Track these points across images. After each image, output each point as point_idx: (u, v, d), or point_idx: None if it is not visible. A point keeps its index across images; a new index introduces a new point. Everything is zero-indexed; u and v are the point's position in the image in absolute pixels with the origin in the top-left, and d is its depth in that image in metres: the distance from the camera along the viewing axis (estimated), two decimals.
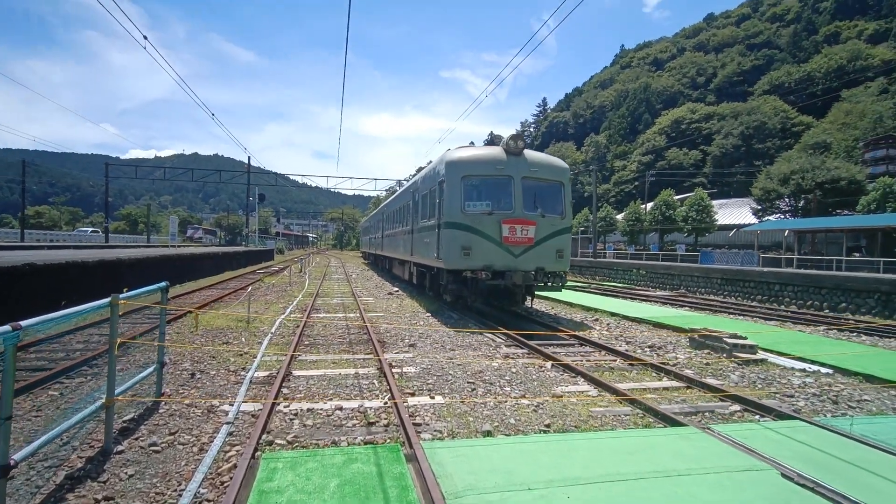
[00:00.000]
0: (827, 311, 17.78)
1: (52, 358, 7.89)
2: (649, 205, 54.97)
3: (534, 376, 7.44)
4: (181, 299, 15.95)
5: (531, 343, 9.65)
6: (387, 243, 26.68)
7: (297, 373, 7.29)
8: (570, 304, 16.47)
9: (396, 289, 20.46)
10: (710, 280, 23.68)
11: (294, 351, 8.32)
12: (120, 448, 4.55)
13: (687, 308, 17.16)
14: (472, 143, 17.49)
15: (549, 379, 7.32)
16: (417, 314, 13.87)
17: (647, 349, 9.69)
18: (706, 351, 9.17)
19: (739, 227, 52.22)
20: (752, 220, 49.23)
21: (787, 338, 10.99)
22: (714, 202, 51.37)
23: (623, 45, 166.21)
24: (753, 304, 19.87)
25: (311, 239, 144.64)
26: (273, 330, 10.37)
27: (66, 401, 5.84)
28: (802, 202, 44.11)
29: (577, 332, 11.15)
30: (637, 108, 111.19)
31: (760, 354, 8.70)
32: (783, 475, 4.12)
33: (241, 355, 8.24)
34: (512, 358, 8.66)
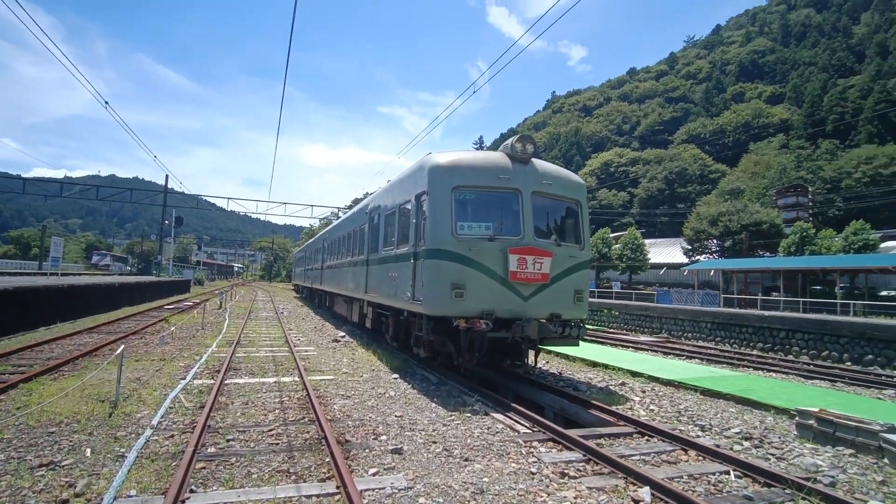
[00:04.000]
0: (849, 363, 15.77)
1: None
2: None
3: None
4: (34, 352, 11.16)
5: (576, 437, 6.23)
6: (328, 276, 22.55)
7: None
8: (566, 357, 13.26)
9: (343, 334, 16.42)
10: (698, 324, 21.47)
11: (183, 482, 4.35)
12: None
13: (701, 361, 14.48)
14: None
15: None
16: (379, 375, 10.07)
17: (745, 443, 6.50)
18: (842, 449, 6.10)
19: (670, 265, 54.08)
20: (683, 259, 51.03)
21: None
22: (645, 241, 52.86)
23: (554, 92, 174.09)
24: (755, 352, 17.68)
25: (236, 269, 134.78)
26: (156, 420, 6.21)
27: None
28: (729, 242, 46.16)
29: (616, 408, 7.85)
30: (569, 150, 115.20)
31: None
32: None
33: None
34: (569, 475, 5.16)
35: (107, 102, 17.89)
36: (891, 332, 15.21)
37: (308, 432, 6.16)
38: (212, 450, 5.38)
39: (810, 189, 58.01)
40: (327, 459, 5.20)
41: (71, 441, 5.46)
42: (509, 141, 9.54)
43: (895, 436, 5.73)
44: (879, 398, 10.59)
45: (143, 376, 8.75)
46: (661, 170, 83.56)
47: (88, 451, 5.12)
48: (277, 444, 5.72)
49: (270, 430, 6.17)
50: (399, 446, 5.68)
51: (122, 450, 5.18)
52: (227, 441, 5.69)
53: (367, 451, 5.59)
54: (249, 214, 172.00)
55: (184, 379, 8.75)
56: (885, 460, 5.70)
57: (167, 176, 44.11)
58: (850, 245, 35.83)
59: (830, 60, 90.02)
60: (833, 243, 37.64)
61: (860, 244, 35.47)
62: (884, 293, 34.19)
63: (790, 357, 16.82)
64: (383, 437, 6.06)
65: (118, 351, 6.83)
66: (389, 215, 11.79)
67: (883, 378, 12.70)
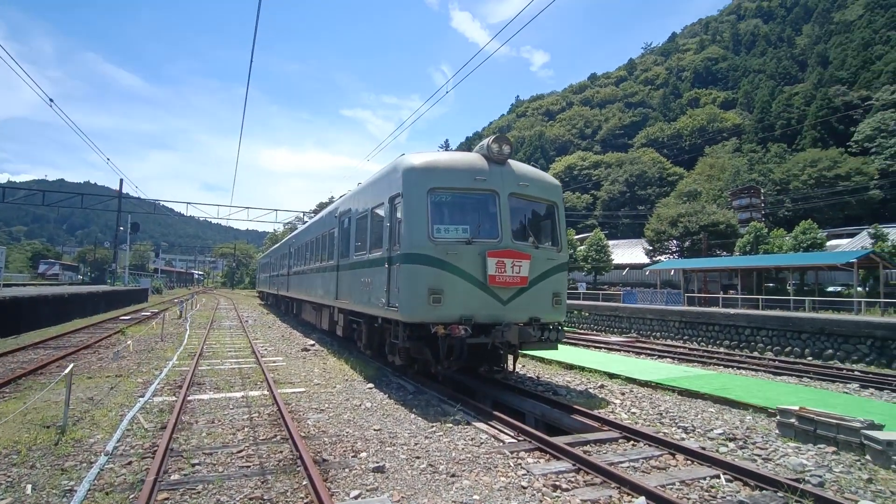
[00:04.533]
0: (810, 357, 16.28)
1: None
2: None
3: None
4: None
5: (561, 444, 6.05)
6: (295, 282, 21.86)
7: None
8: (542, 360, 13.15)
9: (312, 342, 15.86)
10: (667, 323, 21.85)
11: None
12: None
13: (673, 360, 14.64)
14: None
15: None
16: (353, 385, 9.68)
17: (730, 444, 6.46)
18: (824, 447, 6.13)
19: (633, 266, 55.69)
20: (644, 259, 52.55)
21: (885, 411, 8.36)
22: (609, 242, 54.23)
23: (518, 96, 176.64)
24: (721, 349, 18.08)
25: (196, 276, 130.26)
26: (111, 446, 5.65)
27: None
28: (689, 243, 47.90)
29: (598, 412, 7.74)
30: (533, 153, 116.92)
31: None
32: None
33: None
34: (562, 487, 4.95)
35: (51, 100, 16.78)
36: (848, 326, 15.81)
37: (281, 452, 5.75)
38: (175, 477, 4.91)
39: (762, 191, 60.59)
40: (304, 482, 4.82)
41: (8, 476, 4.84)
42: (485, 141, 9.34)
43: (876, 432, 5.78)
44: (846, 392, 10.91)
45: (97, 395, 8.07)
46: (623, 173, 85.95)
47: (29, 487, 4.54)
48: (249, 466, 5.28)
49: (240, 452, 5.72)
50: (381, 464, 5.35)
51: (71, 483, 4.65)
52: (193, 466, 5.22)
53: (346, 470, 5.23)
54: (210, 220, 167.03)
55: (142, 397, 8.13)
56: (868, 457, 5.75)
57: (121, 180, 42.02)
58: (799, 244, 37.46)
59: (777, 68, 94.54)
60: (784, 242, 39.29)
61: (808, 243, 37.15)
62: (830, 289, 35.95)
63: (756, 354, 17.28)
64: (363, 454, 5.71)
65: (67, 369, 6.19)
66: (361, 219, 11.41)
67: (844, 372, 13.14)
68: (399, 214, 8.86)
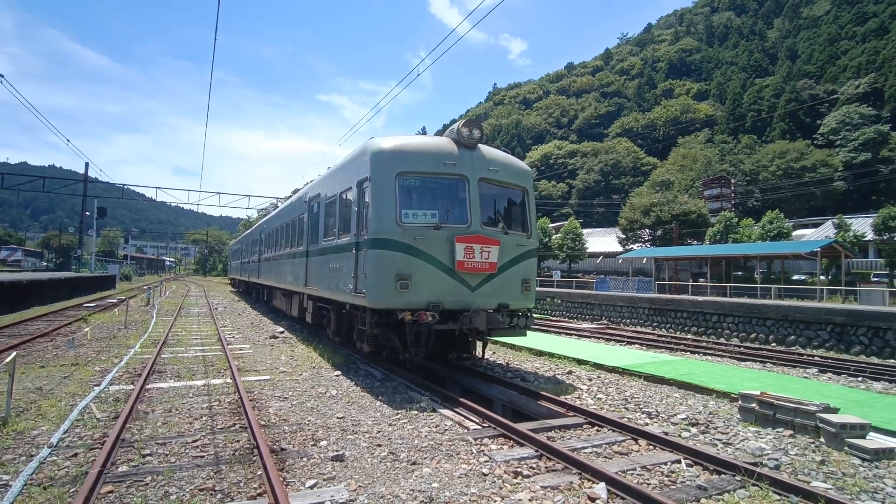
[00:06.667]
0: (774, 343, 16.72)
1: None
2: None
3: None
4: None
5: (525, 430, 6.03)
6: (265, 269, 21.45)
7: None
8: (512, 347, 13.19)
9: (281, 329, 15.60)
10: (636, 310, 22.18)
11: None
12: None
13: (641, 346, 14.86)
14: None
15: None
16: (320, 372, 9.52)
17: (692, 429, 6.54)
18: (782, 430, 6.24)
19: (607, 254, 56.49)
20: (618, 247, 53.30)
21: (840, 395, 8.61)
22: (583, 231, 54.82)
23: (495, 84, 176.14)
24: (689, 336, 18.43)
25: (167, 263, 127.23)
26: (56, 438, 5.39)
27: None
28: (661, 232, 48.78)
29: (564, 398, 7.76)
30: (510, 141, 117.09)
31: (878, 438, 5.91)
32: None
33: None
34: (523, 474, 4.91)
35: (1, 76, 15.93)
36: (809, 313, 16.29)
37: (238, 441, 5.58)
38: (123, 468, 4.70)
39: (733, 181, 61.86)
40: (259, 472, 4.67)
41: None
42: (455, 125, 9.19)
43: (830, 415, 5.91)
44: (806, 377, 11.22)
45: (47, 385, 7.72)
46: (598, 162, 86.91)
47: None
48: (202, 456, 5.11)
49: (196, 441, 5.54)
50: (340, 452, 5.23)
51: (7, 477, 4.39)
52: (143, 457, 5.01)
53: (304, 459, 5.09)
54: (182, 206, 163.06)
55: (98, 386, 7.83)
56: (822, 439, 5.88)
57: (87, 164, 40.56)
58: (766, 233, 38.43)
59: (749, 61, 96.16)
60: (752, 231, 40.25)
61: (775, 232, 38.14)
62: (795, 277, 37.07)
63: (722, 340, 17.69)
64: (323, 443, 5.58)
65: (10, 357, 5.87)
66: (329, 204, 11.17)
67: (805, 357, 13.52)
68: (367, 199, 8.68)
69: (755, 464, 5.12)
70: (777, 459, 5.36)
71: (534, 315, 9.98)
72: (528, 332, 9.85)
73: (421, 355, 8.98)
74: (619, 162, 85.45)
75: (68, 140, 28.50)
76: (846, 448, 5.56)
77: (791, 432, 6.14)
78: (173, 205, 73.98)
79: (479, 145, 9.25)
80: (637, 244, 51.69)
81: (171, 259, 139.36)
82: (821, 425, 5.86)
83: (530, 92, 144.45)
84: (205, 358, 10.70)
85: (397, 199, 8.36)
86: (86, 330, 12.77)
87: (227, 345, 12.24)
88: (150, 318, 18.28)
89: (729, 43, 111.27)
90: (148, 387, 7.91)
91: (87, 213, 42.07)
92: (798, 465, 5.29)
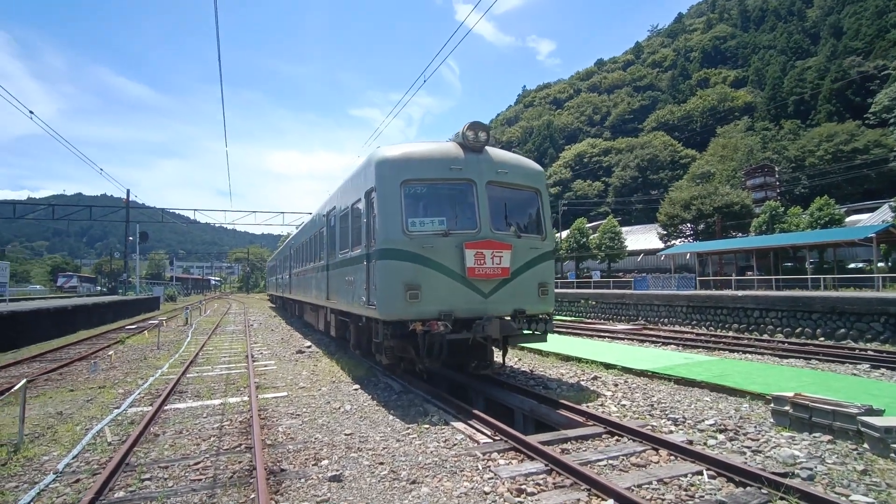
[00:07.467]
0: (822, 338, 15.61)
1: None
2: (564, 233, 56.58)
3: None
4: None
5: (536, 443, 5.71)
6: (296, 284, 21.73)
7: None
8: (540, 352, 12.78)
9: (309, 344, 15.71)
10: (674, 308, 21.24)
11: None
12: None
13: (677, 347, 14.14)
14: None
15: None
16: (339, 387, 9.44)
17: (720, 436, 6.05)
18: (820, 436, 5.69)
19: (647, 252, 54.68)
20: (659, 244, 51.58)
21: (893, 394, 7.83)
22: (622, 229, 53.36)
23: (525, 86, 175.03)
24: (730, 333, 17.45)
25: (213, 282, 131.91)
26: (63, 463, 5.45)
27: None
28: (703, 225, 46.87)
29: (586, 407, 7.38)
30: (542, 143, 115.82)
31: None
32: None
33: None
34: (527, 491, 4.61)
35: (31, 112, 16.87)
36: (861, 304, 15.11)
37: (240, 462, 5.50)
38: (119, 494, 4.68)
39: (777, 169, 59.06)
40: (253, 496, 4.56)
41: None
42: (461, 129, 8.98)
43: (873, 418, 5.33)
44: (855, 374, 10.34)
45: (69, 409, 7.93)
46: (633, 158, 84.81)
47: None
48: (201, 479, 5.04)
49: (198, 464, 5.49)
50: (339, 472, 5.06)
51: None
52: (142, 481, 4.99)
53: (302, 480, 4.95)
54: (225, 226, 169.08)
55: (118, 408, 7.97)
56: (865, 445, 5.30)
57: (128, 190, 42.52)
58: (816, 221, 36.35)
59: (788, 43, 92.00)
60: (801, 220, 38.17)
61: (826, 219, 36.00)
62: (851, 265, 34.80)
63: (765, 336, 16.65)
64: (325, 462, 5.43)
65: (19, 384, 6.02)
66: (343, 216, 11.15)
67: (857, 352, 12.51)
68: (374, 209, 8.57)
69: (784, 474, 4.64)
70: (812, 469, 4.85)
71: (562, 318, 9.63)
72: (557, 337, 9.55)
73: (435, 366, 8.76)
74: (656, 156, 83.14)
75: (101, 169, 30.11)
76: (893, 455, 4.98)
77: (829, 437, 5.57)
78: (217, 225, 76.72)
79: (487, 148, 9.01)
80: (678, 240, 49.98)
81: (217, 278, 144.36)
82: (863, 429, 5.29)
83: (560, 91, 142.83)
84: (228, 376, 10.82)
85: (403, 208, 8.21)
86: (110, 353, 13.16)
87: (254, 361, 12.37)
88: (184, 337, 18.78)
89: (766, 26, 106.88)
90: (166, 407, 8.01)
91: (131, 239, 44.02)
92: (836, 475, 4.76)
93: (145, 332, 20.76)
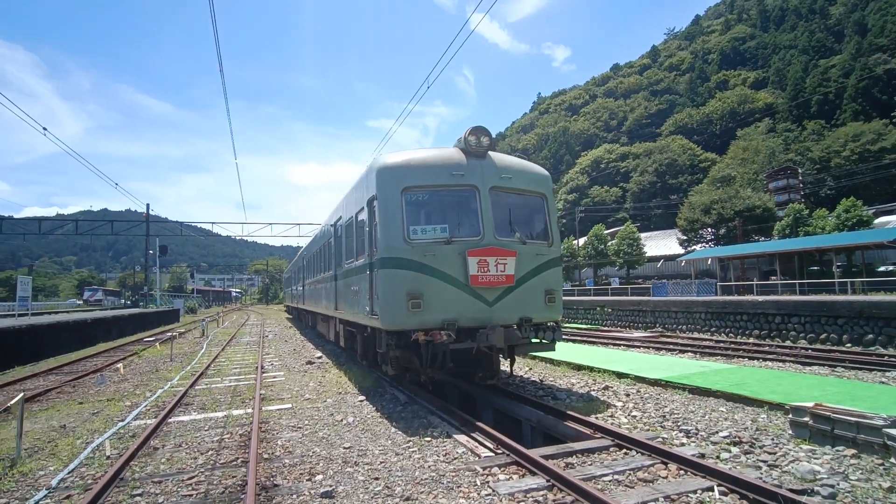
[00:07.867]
0: (849, 344, 14.98)
1: None
2: (581, 240, 56.00)
3: None
4: None
5: (538, 457, 5.47)
6: (308, 294, 21.77)
7: None
8: (551, 361, 12.48)
9: (320, 355, 15.64)
10: (692, 315, 20.67)
11: None
12: None
13: (694, 354, 13.69)
14: None
15: None
16: (345, 398, 9.30)
17: (734, 449, 5.73)
18: (842, 449, 5.34)
19: (667, 257, 53.62)
20: (679, 250, 50.59)
21: None
22: (641, 235, 52.51)
23: (540, 93, 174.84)
24: (751, 340, 16.87)
25: (234, 294, 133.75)
26: (57, 479, 5.40)
27: None
28: (724, 230, 45.81)
29: (594, 418, 7.10)
30: (558, 150, 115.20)
31: None
32: None
33: None
34: None
35: (45, 129, 17.31)
36: (890, 308, 14.43)
37: (234, 477, 5.38)
38: None
39: (800, 171, 57.62)
40: None
41: None
42: (463, 134, 8.85)
43: None
44: (883, 382, 9.82)
45: (73, 422, 7.94)
46: (652, 163, 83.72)
47: None
48: (192, 495, 4.93)
49: (191, 478, 5.39)
50: (332, 488, 4.91)
51: None
52: (133, 498, 4.90)
53: (293, 497, 4.80)
54: (245, 238, 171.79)
55: (122, 421, 7.96)
56: (893, 460, 4.94)
57: (147, 205, 43.45)
58: (843, 223, 35.21)
59: (810, 42, 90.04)
60: (827, 222, 37.03)
61: (854, 221, 34.86)
62: (882, 269, 33.52)
63: (788, 343, 16.02)
64: (319, 477, 5.28)
65: (17, 398, 6.02)
66: (349, 226, 11.08)
67: (886, 359, 11.92)
68: (376, 217, 8.47)
69: (803, 491, 4.33)
70: (833, 486, 4.52)
71: (577, 326, 9.38)
72: (570, 345, 9.28)
73: (440, 376, 8.57)
74: (674, 161, 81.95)
75: (116, 184, 30.76)
76: None
77: (853, 451, 5.22)
78: (238, 238, 77.83)
79: (490, 153, 8.87)
80: (699, 245, 48.99)
81: (238, 290, 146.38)
82: (889, 443, 4.93)
83: (576, 97, 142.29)
84: (236, 388, 10.77)
85: (404, 215, 8.09)
86: (118, 366, 13.24)
87: (263, 373, 12.33)
88: (199, 349, 18.91)
89: (786, 25, 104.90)
90: (169, 420, 7.96)
91: (151, 252, 44.87)
92: (860, 492, 4.43)
93: (157, 343, 20.93)
